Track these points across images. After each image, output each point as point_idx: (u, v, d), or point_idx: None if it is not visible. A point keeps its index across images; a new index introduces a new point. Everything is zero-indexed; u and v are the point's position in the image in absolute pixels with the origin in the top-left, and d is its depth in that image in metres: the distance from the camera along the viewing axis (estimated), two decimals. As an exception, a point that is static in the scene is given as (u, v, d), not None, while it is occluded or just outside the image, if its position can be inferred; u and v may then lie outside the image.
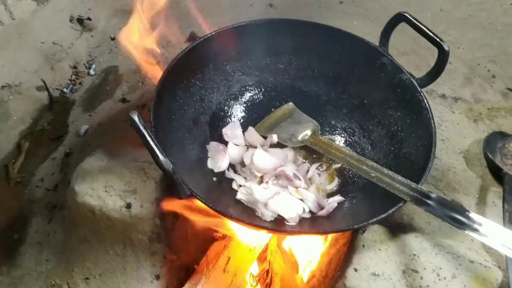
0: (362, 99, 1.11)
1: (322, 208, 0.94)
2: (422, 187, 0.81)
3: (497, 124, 1.29)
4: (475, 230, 0.74)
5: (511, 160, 1.16)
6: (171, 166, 0.76)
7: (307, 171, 1.04)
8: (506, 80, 1.44)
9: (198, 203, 0.83)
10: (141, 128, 0.76)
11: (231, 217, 0.81)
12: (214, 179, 1.02)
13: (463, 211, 0.76)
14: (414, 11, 1.02)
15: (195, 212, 0.92)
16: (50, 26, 1.59)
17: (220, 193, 1.00)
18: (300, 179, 1.00)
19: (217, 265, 1.02)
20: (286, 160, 1.05)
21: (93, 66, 1.56)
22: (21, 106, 1.44)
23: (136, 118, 0.76)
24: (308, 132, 1.07)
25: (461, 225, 0.75)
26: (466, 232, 0.74)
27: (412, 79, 0.99)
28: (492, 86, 1.43)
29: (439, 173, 1.12)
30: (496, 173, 1.13)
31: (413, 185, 0.82)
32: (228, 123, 1.13)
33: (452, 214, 0.76)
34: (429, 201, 0.79)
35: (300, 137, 1.07)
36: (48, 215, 1.20)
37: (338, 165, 1.06)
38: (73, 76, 1.55)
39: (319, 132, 1.08)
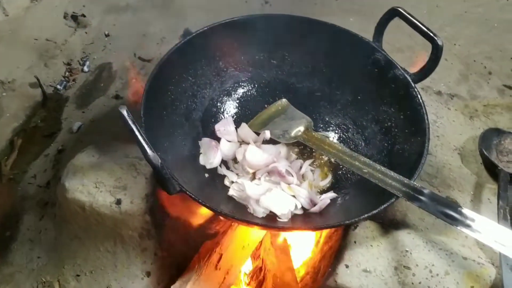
0: (356, 95, 1.10)
1: (314, 204, 0.93)
2: (415, 183, 0.80)
3: (493, 120, 1.28)
4: (468, 226, 0.73)
5: (507, 157, 1.15)
6: (159, 161, 0.75)
7: (300, 168, 1.03)
8: (502, 77, 1.43)
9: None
10: (130, 122, 0.75)
11: (222, 214, 0.80)
12: (206, 175, 1.01)
13: (455, 206, 0.75)
14: (410, 7, 1.01)
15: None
16: (44, 23, 1.58)
17: (212, 189, 0.99)
18: (292, 176, 0.99)
19: (209, 262, 1.00)
20: (279, 156, 1.04)
21: (87, 62, 1.55)
22: (14, 103, 1.43)
23: (125, 112, 0.75)
24: (301, 128, 1.06)
25: (453, 221, 0.74)
26: (459, 228, 0.73)
27: (406, 75, 0.99)
28: (488, 82, 1.42)
29: (434, 169, 1.11)
30: (492, 169, 1.13)
31: (406, 180, 0.81)
32: (220, 119, 1.12)
33: (445, 210, 0.75)
34: (421, 197, 0.78)
35: (293, 133, 1.06)
36: (40, 212, 1.19)
37: (331, 162, 1.05)
38: (67, 73, 1.54)
39: (313, 128, 1.07)
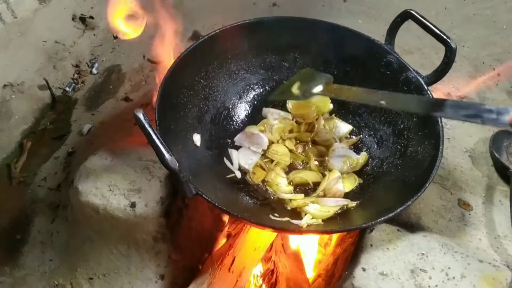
0: (368, 98, 1.10)
1: None
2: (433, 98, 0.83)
3: (503, 122, 1.28)
4: (495, 119, 0.67)
5: (518, 159, 1.15)
6: (177, 164, 0.75)
7: None
8: (511, 79, 1.43)
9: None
10: (147, 126, 0.75)
11: (237, 216, 0.80)
12: (219, 177, 1.01)
13: (477, 105, 0.70)
14: (418, 9, 1.01)
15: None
16: (52, 25, 1.58)
17: (226, 192, 0.98)
18: None
19: (222, 265, 1.01)
20: None
21: (96, 65, 1.55)
22: (23, 105, 1.43)
23: (141, 116, 0.75)
24: (321, 87, 0.98)
25: (479, 119, 0.69)
26: (486, 124, 0.69)
27: (418, 77, 0.99)
28: (497, 84, 1.42)
29: (445, 172, 1.11)
30: (503, 172, 1.12)
31: (425, 98, 0.86)
32: (232, 121, 1.12)
33: (467, 112, 0.71)
34: (444, 108, 0.74)
35: (314, 90, 0.99)
36: (51, 214, 1.19)
37: None
38: (76, 75, 1.54)
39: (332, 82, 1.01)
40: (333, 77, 1.02)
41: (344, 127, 1.11)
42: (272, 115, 1.13)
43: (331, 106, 1.14)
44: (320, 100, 1.13)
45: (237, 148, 1.08)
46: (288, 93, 1.02)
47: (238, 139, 1.09)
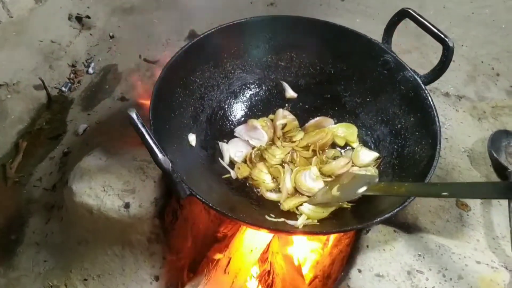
0: (364, 97, 1.09)
1: None
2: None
3: (502, 122, 1.27)
4: None
5: (516, 159, 1.15)
6: (170, 165, 0.74)
7: None
8: (510, 78, 1.42)
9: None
10: (140, 126, 0.74)
11: (232, 217, 0.80)
12: (214, 178, 1.00)
13: None
14: (417, 8, 1.00)
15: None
16: (48, 24, 1.57)
17: (220, 192, 0.98)
18: None
19: (218, 266, 1.00)
20: None
21: (92, 64, 1.54)
22: (19, 105, 1.42)
23: (134, 115, 0.74)
24: (365, 187, 0.88)
25: None
26: None
27: (416, 76, 0.98)
28: (496, 84, 1.41)
29: (444, 172, 1.10)
30: (501, 172, 1.11)
31: (498, 184, 0.83)
32: (228, 121, 1.11)
33: None
34: None
35: (358, 191, 0.88)
36: (46, 215, 1.18)
37: None
38: (72, 75, 1.53)
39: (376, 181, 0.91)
40: (378, 176, 0.95)
41: (369, 155, 1.03)
42: (283, 112, 1.13)
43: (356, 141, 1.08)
44: (347, 128, 1.09)
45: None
46: (328, 195, 0.93)
47: (238, 130, 1.09)
